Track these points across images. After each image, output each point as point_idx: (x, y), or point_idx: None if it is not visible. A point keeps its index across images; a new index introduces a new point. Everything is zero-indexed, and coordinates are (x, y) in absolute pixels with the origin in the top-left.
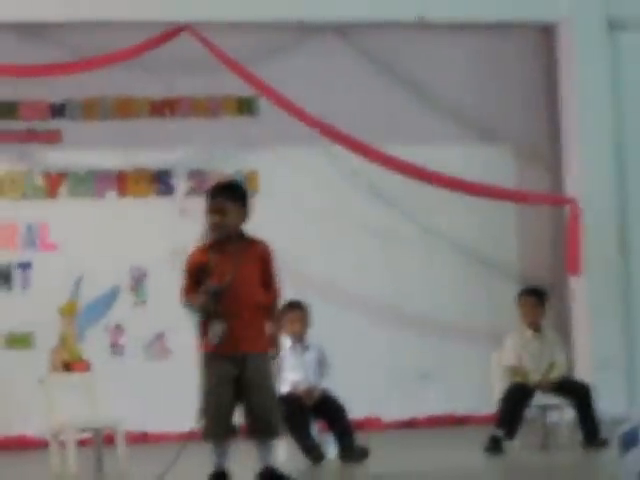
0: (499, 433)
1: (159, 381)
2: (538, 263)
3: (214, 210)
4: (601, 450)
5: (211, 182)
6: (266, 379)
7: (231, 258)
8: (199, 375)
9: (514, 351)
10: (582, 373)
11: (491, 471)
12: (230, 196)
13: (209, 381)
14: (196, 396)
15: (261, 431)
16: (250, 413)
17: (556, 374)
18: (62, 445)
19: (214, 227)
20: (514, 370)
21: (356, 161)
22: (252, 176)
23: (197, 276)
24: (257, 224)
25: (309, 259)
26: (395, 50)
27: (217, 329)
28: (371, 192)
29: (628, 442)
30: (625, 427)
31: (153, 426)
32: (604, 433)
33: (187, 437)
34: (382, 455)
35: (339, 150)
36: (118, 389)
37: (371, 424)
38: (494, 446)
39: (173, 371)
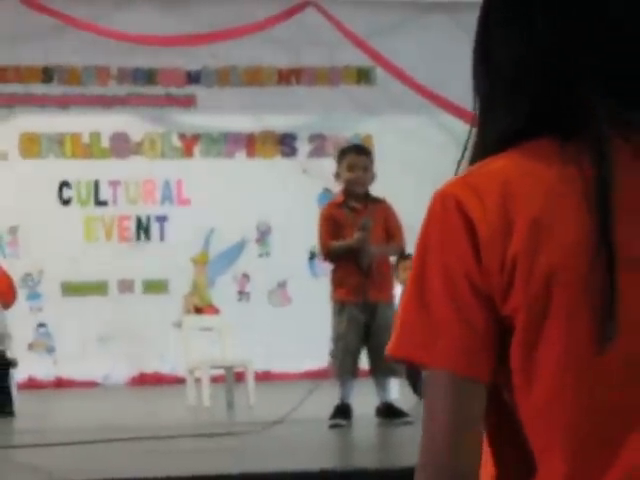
0: None
1: (281, 326)
2: None
3: (359, 166)
4: None
5: (331, 145)
6: (391, 326)
7: (361, 214)
8: (331, 321)
9: None
10: None
11: None
12: (370, 156)
13: (340, 327)
14: (314, 339)
15: (384, 371)
16: (375, 355)
17: None
18: (197, 381)
19: (357, 182)
20: None
21: (463, 129)
22: (367, 140)
23: (332, 229)
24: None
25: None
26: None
27: (367, 223)
28: None
29: None
30: None
31: (276, 366)
32: None
33: (315, 375)
34: None
35: (448, 118)
36: (244, 332)
37: None
38: None
39: (293, 317)
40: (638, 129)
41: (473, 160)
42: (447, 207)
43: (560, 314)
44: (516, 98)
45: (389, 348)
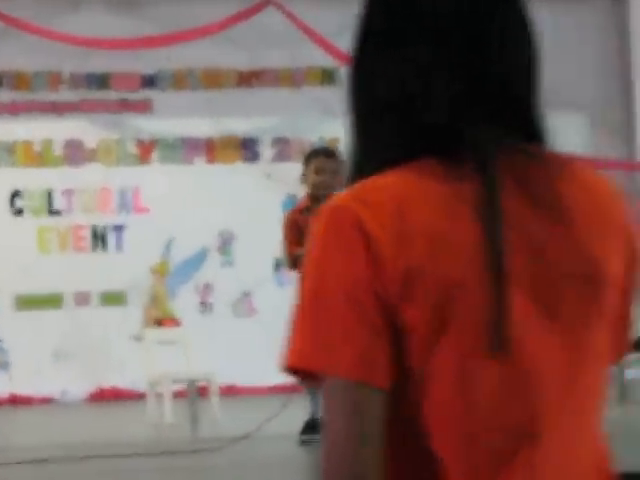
0: None
1: (246, 338)
2: None
3: (327, 170)
4: None
5: (295, 149)
6: None
7: None
8: None
9: None
10: None
11: None
12: (339, 160)
13: None
14: (281, 352)
15: None
16: None
17: (634, 332)
18: (158, 396)
19: (323, 186)
20: None
21: None
22: (333, 144)
23: (296, 236)
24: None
25: None
26: None
27: None
28: None
29: None
30: None
31: (241, 380)
32: None
33: (283, 389)
34: None
35: None
36: (207, 345)
37: None
38: None
39: (259, 328)
40: (518, 151)
41: (355, 178)
42: (343, 221)
43: (454, 327)
44: (401, 120)
45: (284, 360)
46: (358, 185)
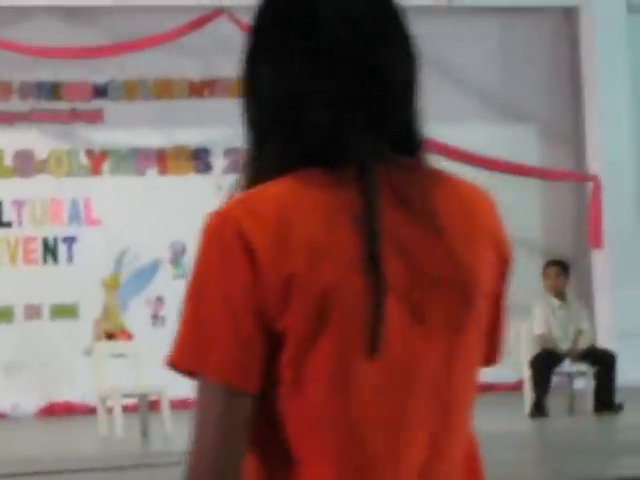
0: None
1: None
2: (561, 237)
3: None
4: (618, 414)
5: None
6: None
7: None
8: None
9: (543, 320)
10: (603, 342)
11: (521, 433)
12: None
13: None
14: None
15: None
16: None
17: (584, 343)
18: (109, 411)
19: None
20: (543, 338)
21: None
22: None
23: None
24: None
25: None
26: (425, 33)
27: None
28: None
29: None
30: None
31: (191, 394)
32: (619, 399)
33: None
34: None
35: None
36: (158, 358)
37: None
38: (538, 411)
39: None
40: (396, 162)
41: (249, 185)
42: (226, 229)
43: (333, 331)
44: (287, 131)
45: (168, 359)
46: (245, 194)
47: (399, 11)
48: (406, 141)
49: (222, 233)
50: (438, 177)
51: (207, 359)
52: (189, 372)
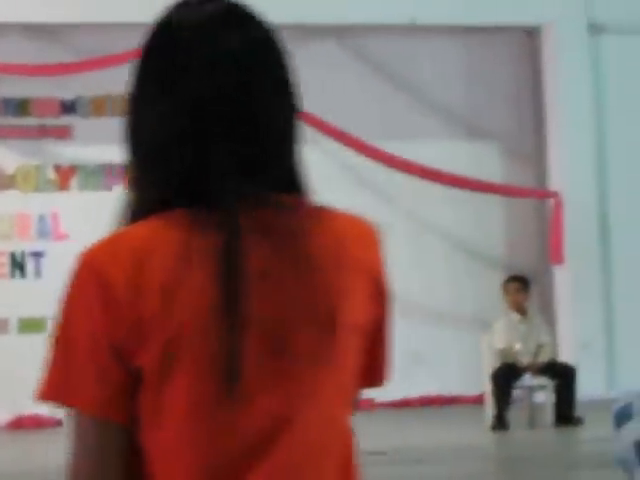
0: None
1: None
2: (523, 253)
3: None
4: (578, 428)
5: None
6: None
7: None
8: None
9: (504, 334)
10: (564, 356)
11: (483, 446)
12: None
13: None
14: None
15: None
16: None
17: (545, 357)
18: None
19: None
20: (504, 352)
21: (349, 157)
22: None
23: None
24: None
25: None
26: (388, 51)
27: None
28: (363, 186)
29: (622, 417)
30: (619, 404)
31: None
32: (579, 413)
33: None
34: (380, 432)
35: (334, 146)
36: None
37: (364, 404)
38: (499, 424)
39: None
40: (261, 203)
41: (125, 222)
42: (88, 271)
43: (186, 370)
44: (158, 171)
45: (38, 392)
46: (112, 234)
47: (282, 56)
48: (289, 184)
49: (84, 275)
50: (318, 215)
51: (72, 392)
52: (61, 404)
